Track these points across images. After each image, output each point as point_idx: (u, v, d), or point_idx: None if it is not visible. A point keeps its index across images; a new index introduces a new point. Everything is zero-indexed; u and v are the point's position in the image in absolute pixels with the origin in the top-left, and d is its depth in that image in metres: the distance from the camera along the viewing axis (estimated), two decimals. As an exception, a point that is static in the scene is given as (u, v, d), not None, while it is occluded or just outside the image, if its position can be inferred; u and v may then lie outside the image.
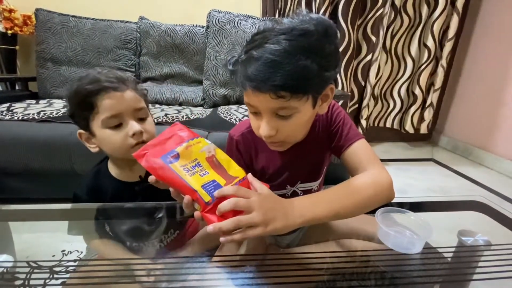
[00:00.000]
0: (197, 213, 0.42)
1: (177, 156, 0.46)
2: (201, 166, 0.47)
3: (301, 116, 0.49)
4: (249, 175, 0.48)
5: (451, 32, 1.93)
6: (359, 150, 0.57)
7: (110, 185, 0.64)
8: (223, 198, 0.41)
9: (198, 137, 0.51)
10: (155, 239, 0.63)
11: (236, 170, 0.50)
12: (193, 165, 0.46)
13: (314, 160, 0.65)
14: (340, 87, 1.88)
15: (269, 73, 0.42)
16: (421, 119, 2.19)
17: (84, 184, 0.64)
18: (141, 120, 0.61)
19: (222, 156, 0.51)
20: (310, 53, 0.43)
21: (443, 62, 2.00)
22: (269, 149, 0.59)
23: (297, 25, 0.43)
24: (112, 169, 0.66)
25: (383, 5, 1.80)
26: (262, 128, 0.49)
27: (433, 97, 2.10)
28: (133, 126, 0.57)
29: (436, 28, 1.90)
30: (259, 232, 0.39)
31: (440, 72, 2.03)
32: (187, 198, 0.42)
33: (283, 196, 0.50)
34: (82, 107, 0.57)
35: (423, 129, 2.20)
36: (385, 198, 0.50)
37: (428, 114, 2.15)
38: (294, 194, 0.64)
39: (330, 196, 0.48)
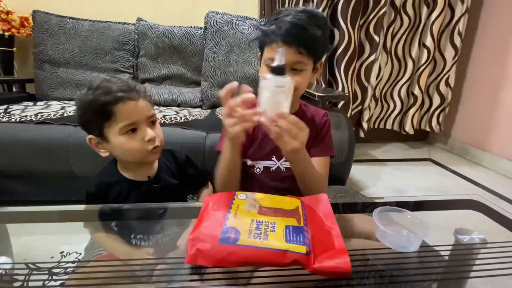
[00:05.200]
0: None
1: (236, 230, 0.40)
2: (262, 222, 0.42)
3: (306, 74, 0.65)
4: None
5: (450, 32, 1.94)
6: (326, 163, 0.74)
7: (118, 183, 0.67)
8: (318, 244, 0.40)
9: (227, 195, 0.48)
10: (158, 234, 0.63)
11: (289, 202, 0.48)
12: (255, 227, 0.41)
13: None
14: (340, 88, 1.85)
15: (297, 33, 0.60)
16: (437, 119, 2.17)
17: (93, 182, 0.67)
18: (152, 123, 0.65)
19: (267, 200, 0.48)
20: (320, 28, 0.62)
21: (449, 62, 2.00)
22: None
23: (311, 10, 0.63)
24: (121, 169, 0.68)
25: (385, 4, 1.77)
26: None
27: (448, 97, 2.09)
28: (149, 133, 0.61)
29: (435, 28, 1.90)
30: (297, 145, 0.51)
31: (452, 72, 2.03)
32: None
33: (268, 168, 0.71)
34: (99, 116, 0.59)
35: (437, 129, 2.19)
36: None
37: (444, 114, 2.14)
38: (278, 170, 0.72)
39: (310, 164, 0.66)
